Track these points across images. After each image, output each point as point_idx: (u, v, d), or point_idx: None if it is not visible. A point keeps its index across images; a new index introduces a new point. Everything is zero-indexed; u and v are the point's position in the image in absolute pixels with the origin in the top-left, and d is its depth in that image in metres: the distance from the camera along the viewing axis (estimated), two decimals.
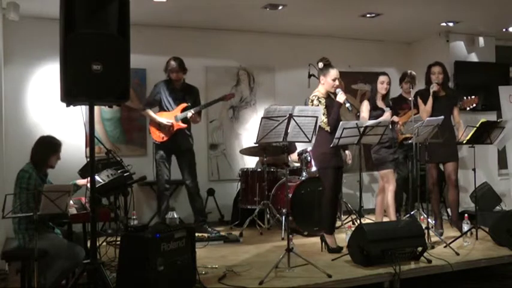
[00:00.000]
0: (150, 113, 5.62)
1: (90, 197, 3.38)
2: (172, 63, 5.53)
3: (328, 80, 4.65)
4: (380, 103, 5.34)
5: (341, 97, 4.60)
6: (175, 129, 5.55)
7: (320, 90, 4.72)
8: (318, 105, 4.57)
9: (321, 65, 4.76)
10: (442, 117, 5.02)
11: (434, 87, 5.35)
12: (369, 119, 5.09)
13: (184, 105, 5.60)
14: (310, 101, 4.67)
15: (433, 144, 5.07)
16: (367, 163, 6.59)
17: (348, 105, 4.61)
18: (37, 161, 4.04)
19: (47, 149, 4.10)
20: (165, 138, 5.56)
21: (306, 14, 6.33)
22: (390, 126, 5.22)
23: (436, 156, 5.28)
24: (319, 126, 4.44)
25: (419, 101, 5.51)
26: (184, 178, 5.71)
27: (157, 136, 5.59)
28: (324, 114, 4.58)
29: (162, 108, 5.66)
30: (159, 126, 5.57)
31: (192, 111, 5.52)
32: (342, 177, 5.06)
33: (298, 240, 5.24)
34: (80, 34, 3.05)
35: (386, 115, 5.18)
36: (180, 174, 5.78)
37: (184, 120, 5.57)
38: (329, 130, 4.57)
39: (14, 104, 5.99)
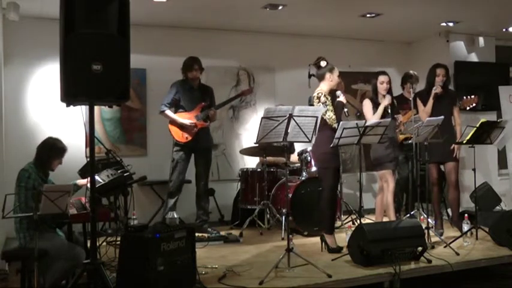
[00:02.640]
0: (171, 114, 5.59)
1: (90, 197, 3.38)
2: (191, 62, 5.56)
3: (335, 77, 4.71)
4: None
5: (343, 99, 4.67)
6: (198, 128, 5.56)
7: (323, 89, 4.71)
8: (325, 101, 4.59)
9: (324, 63, 4.76)
10: (442, 117, 5.02)
11: (437, 89, 5.35)
12: None
13: (202, 104, 5.63)
14: (316, 98, 4.66)
15: (433, 144, 5.07)
16: (367, 163, 6.59)
17: (345, 110, 4.64)
18: (39, 161, 4.05)
19: (51, 152, 4.11)
20: (189, 138, 5.55)
21: (306, 14, 6.33)
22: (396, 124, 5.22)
23: (436, 156, 5.29)
24: (324, 123, 4.44)
25: (419, 102, 5.51)
26: (199, 176, 5.72)
27: (181, 137, 5.56)
28: (331, 111, 4.59)
29: (180, 108, 5.65)
30: (181, 127, 5.55)
31: (213, 109, 5.61)
32: (340, 177, 5.05)
33: (298, 240, 5.24)
34: (80, 34, 3.05)
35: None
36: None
37: (205, 118, 5.61)
38: (337, 126, 4.54)
39: (14, 104, 5.99)
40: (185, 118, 5.57)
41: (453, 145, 5.37)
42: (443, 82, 5.42)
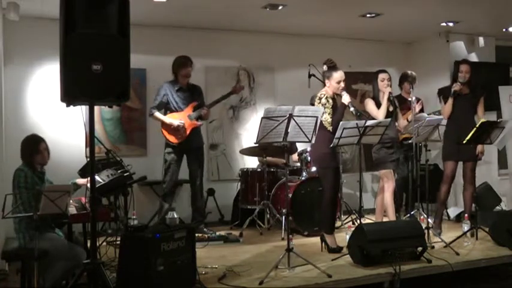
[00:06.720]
0: (160, 116, 5.52)
1: (90, 197, 3.38)
2: (183, 60, 5.50)
3: (333, 83, 4.66)
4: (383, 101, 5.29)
5: (346, 98, 4.62)
6: (191, 128, 5.52)
7: (327, 91, 4.70)
8: (325, 103, 4.58)
9: (325, 67, 4.73)
10: (442, 117, 5.01)
11: (455, 87, 5.30)
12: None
13: (194, 103, 5.58)
14: (318, 98, 4.65)
15: (455, 141, 5.06)
16: (367, 163, 6.59)
17: (352, 109, 4.59)
18: (25, 160, 4.05)
19: (27, 148, 4.09)
20: (181, 139, 5.49)
21: (306, 14, 6.34)
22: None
23: (461, 154, 5.27)
24: (321, 124, 4.43)
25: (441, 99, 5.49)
26: (193, 176, 5.66)
27: (173, 138, 5.50)
28: (328, 114, 4.58)
29: (170, 109, 5.58)
30: (172, 128, 5.46)
31: (206, 107, 5.55)
32: (341, 177, 5.04)
33: (298, 240, 5.23)
34: (80, 34, 3.05)
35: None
36: (179, 175, 5.77)
37: (198, 118, 5.57)
38: (330, 130, 4.56)
39: (14, 104, 5.99)
40: (177, 118, 5.49)
41: (478, 145, 5.31)
42: (465, 79, 5.34)
